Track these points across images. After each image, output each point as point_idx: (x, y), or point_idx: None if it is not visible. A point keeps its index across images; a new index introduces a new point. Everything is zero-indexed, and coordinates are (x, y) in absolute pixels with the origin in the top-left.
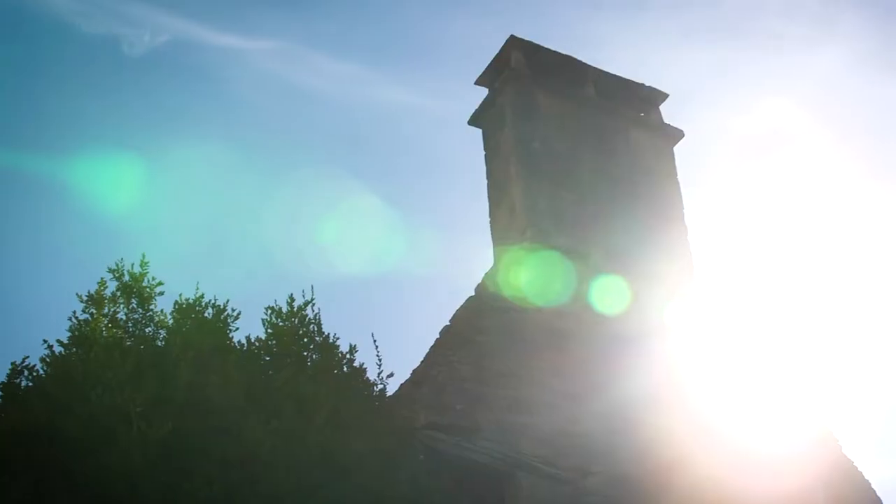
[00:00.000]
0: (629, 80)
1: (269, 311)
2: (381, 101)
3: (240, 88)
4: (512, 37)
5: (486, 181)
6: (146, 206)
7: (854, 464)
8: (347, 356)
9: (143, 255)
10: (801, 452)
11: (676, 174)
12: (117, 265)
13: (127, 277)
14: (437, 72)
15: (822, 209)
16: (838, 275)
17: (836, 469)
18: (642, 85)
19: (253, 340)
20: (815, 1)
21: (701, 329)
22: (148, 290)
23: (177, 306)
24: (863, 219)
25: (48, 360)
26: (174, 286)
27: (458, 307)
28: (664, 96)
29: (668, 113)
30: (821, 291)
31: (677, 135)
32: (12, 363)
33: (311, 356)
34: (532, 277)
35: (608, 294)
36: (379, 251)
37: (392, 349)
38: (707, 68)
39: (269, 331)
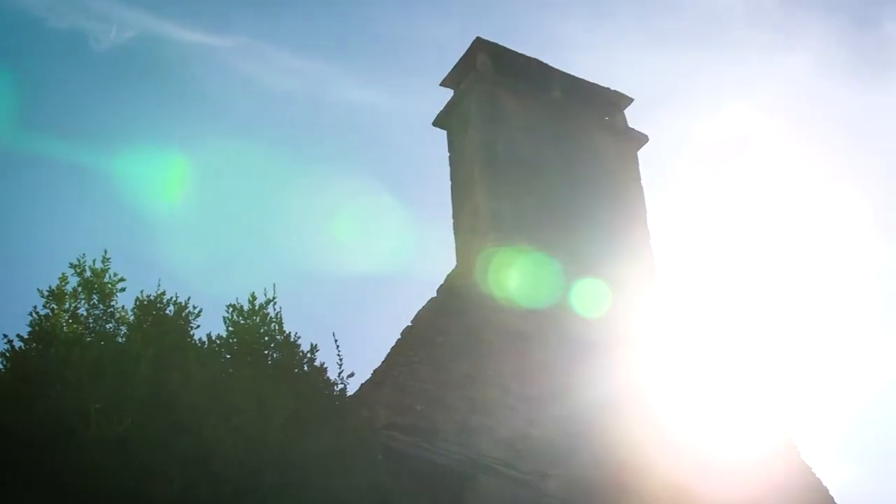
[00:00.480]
0: (594, 84)
1: (231, 309)
2: (346, 100)
3: (206, 85)
4: (478, 39)
5: (449, 182)
6: (105, 201)
7: (812, 470)
8: (308, 355)
9: (105, 252)
10: (761, 459)
11: (640, 178)
12: (79, 261)
13: (89, 273)
14: (403, 72)
15: (786, 214)
16: (801, 279)
17: (795, 475)
18: (607, 89)
19: (214, 338)
20: (780, 8)
21: (663, 333)
22: (109, 286)
23: (138, 303)
24: (826, 223)
25: (7, 355)
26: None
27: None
28: (629, 100)
29: (633, 117)
30: (784, 296)
31: (641, 139)
32: None
33: (272, 355)
34: (504, 278)
35: (588, 297)
36: (345, 249)
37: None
38: (672, 73)
39: (230, 329)
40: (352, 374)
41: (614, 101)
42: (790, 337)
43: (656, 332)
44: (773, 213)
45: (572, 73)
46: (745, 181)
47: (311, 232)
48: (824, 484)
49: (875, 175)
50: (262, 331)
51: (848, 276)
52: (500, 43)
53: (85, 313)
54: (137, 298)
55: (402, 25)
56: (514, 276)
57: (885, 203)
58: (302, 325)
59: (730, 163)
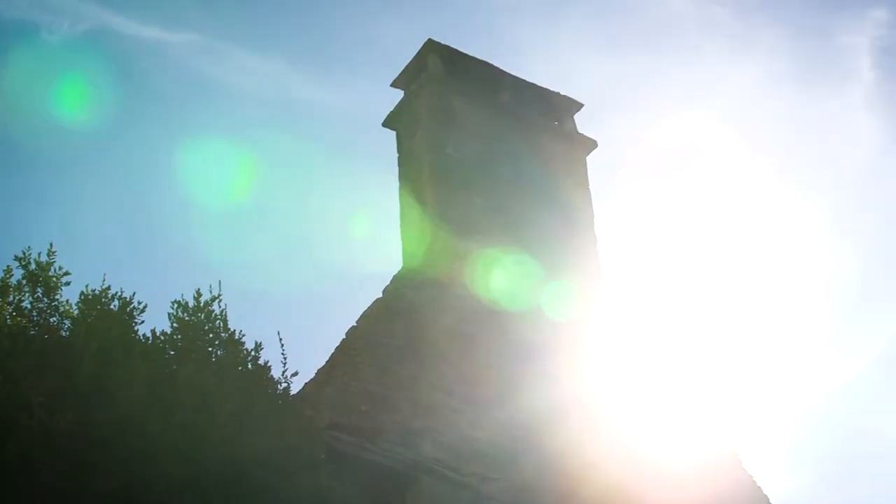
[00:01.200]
0: (544, 88)
1: (175, 306)
2: (298, 99)
3: (160, 81)
4: (429, 40)
5: (397, 183)
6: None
7: (754, 479)
8: (253, 353)
9: (51, 245)
10: (703, 466)
11: (588, 183)
12: (24, 253)
13: (33, 266)
14: (356, 72)
15: (735, 221)
16: (749, 286)
17: (737, 484)
18: (557, 93)
19: (158, 334)
20: (733, 17)
21: (608, 338)
22: (54, 279)
23: (82, 297)
24: (775, 231)
25: None
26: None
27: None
28: (579, 105)
29: (584, 122)
30: (731, 302)
31: (590, 144)
32: None
33: (216, 352)
34: (452, 280)
35: (557, 299)
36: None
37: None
38: (624, 79)
39: (175, 325)
40: (295, 374)
41: (564, 106)
42: (737, 343)
43: (602, 338)
44: (722, 221)
45: (524, 76)
46: (694, 188)
47: (258, 230)
48: (765, 492)
49: (825, 184)
50: (206, 328)
51: (795, 283)
52: (453, 45)
53: (29, 306)
54: (82, 293)
55: (356, 25)
56: (462, 277)
57: (834, 211)
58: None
59: (680, 169)
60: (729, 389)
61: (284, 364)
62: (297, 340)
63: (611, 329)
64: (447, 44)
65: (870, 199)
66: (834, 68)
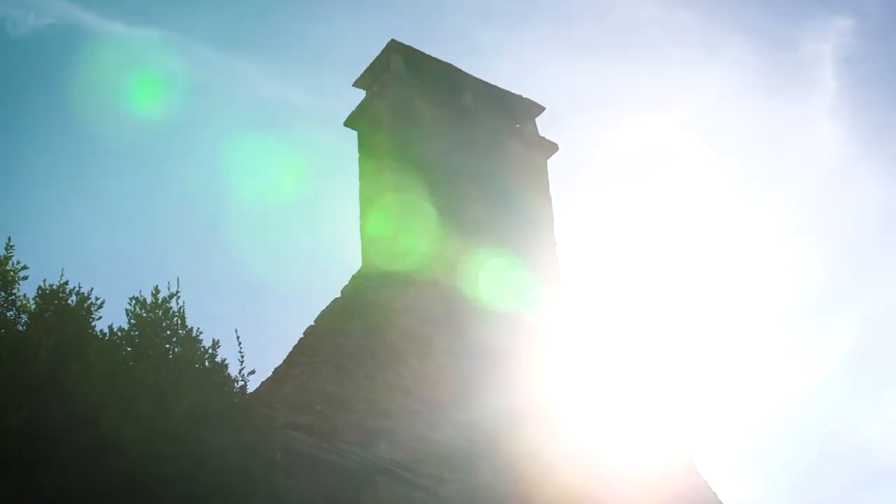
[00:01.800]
0: (507, 91)
1: (133, 302)
2: (261, 97)
3: (124, 77)
4: (392, 41)
5: (358, 183)
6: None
7: (709, 484)
8: (210, 351)
9: (9, 239)
10: (658, 471)
11: (548, 186)
12: None
13: None
14: (320, 70)
15: (696, 226)
16: (710, 292)
17: (691, 489)
18: (519, 96)
19: (115, 330)
20: (699, 24)
21: (567, 341)
22: (12, 273)
23: (39, 292)
24: (736, 237)
25: None
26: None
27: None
28: (540, 109)
29: (546, 125)
30: (691, 308)
31: (551, 148)
32: None
33: (174, 349)
34: (411, 280)
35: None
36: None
37: None
38: (589, 83)
39: (132, 321)
40: (252, 372)
41: (526, 109)
42: (699, 348)
43: (561, 341)
44: (684, 225)
45: (488, 79)
46: (656, 192)
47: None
48: (720, 498)
49: (788, 190)
50: (164, 325)
51: (758, 288)
52: (417, 46)
53: None
54: (39, 287)
55: (321, 23)
56: (420, 278)
57: (797, 217)
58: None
59: (642, 174)
60: (690, 394)
61: (242, 362)
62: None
63: (570, 332)
64: (410, 45)
65: (832, 205)
66: (798, 76)
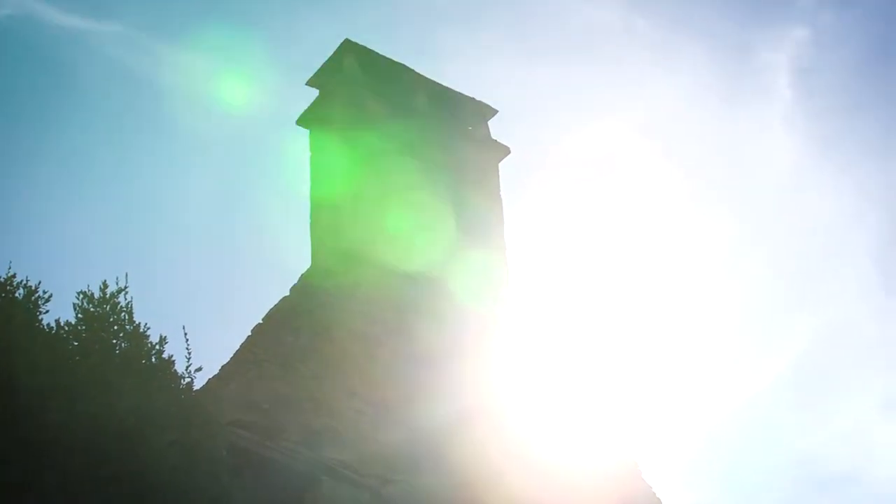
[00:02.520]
0: (460, 93)
1: (81, 297)
2: (218, 95)
3: (79, 71)
4: (346, 41)
5: (309, 182)
6: None
7: (653, 490)
8: (157, 347)
9: None
10: (603, 475)
11: (499, 189)
12: None
13: None
14: (274, 69)
15: (649, 231)
16: (659, 298)
17: (635, 494)
18: (472, 99)
19: (62, 324)
20: (656, 29)
21: (514, 345)
22: None
23: None
24: (688, 243)
25: None
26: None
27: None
28: (493, 112)
29: (499, 128)
30: (640, 313)
31: (503, 151)
32: None
33: (120, 344)
34: (361, 281)
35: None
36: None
37: None
38: (545, 87)
39: (80, 316)
40: (199, 369)
41: (479, 112)
42: (644, 354)
43: (507, 344)
44: (635, 231)
45: (443, 81)
46: (607, 197)
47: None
48: (664, 503)
49: (739, 197)
50: (111, 319)
51: (706, 294)
52: (371, 47)
53: None
54: None
55: (276, 22)
56: (371, 279)
57: (748, 226)
58: None
59: (593, 178)
60: (636, 398)
61: (188, 359)
62: None
63: (518, 335)
64: (365, 45)
65: (784, 213)
66: (754, 84)
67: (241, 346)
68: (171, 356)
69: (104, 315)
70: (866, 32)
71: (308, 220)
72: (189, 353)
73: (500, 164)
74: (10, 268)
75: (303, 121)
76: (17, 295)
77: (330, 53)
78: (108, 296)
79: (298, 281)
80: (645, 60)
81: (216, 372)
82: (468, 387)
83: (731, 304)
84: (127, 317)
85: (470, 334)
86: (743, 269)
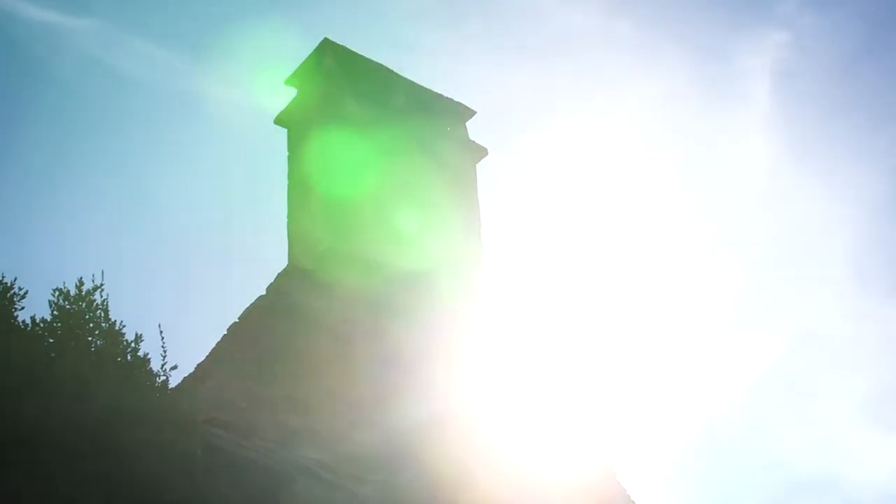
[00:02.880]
0: (439, 94)
1: (57, 294)
2: (192, 91)
3: (58, 68)
4: (325, 40)
5: (287, 181)
6: None
7: (628, 493)
8: (133, 345)
9: None
10: (578, 479)
11: (477, 190)
12: None
13: None
14: (251, 66)
15: (626, 234)
16: (637, 300)
17: (611, 497)
18: (451, 100)
19: (38, 321)
20: (636, 32)
21: (491, 346)
22: None
23: None
24: (666, 247)
25: None
26: None
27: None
28: (472, 113)
29: (477, 130)
30: (618, 315)
31: (481, 152)
32: None
33: (96, 342)
34: (335, 281)
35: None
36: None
37: None
38: (522, 88)
39: (55, 313)
40: (175, 367)
41: (457, 113)
42: (621, 358)
43: (484, 344)
44: (614, 233)
45: (421, 81)
46: (586, 200)
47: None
48: None
49: (718, 201)
50: (87, 317)
51: (685, 297)
52: (350, 46)
53: None
54: None
55: (256, 19)
56: (348, 278)
57: (725, 230)
58: None
59: (573, 182)
60: (612, 403)
61: (164, 357)
62: None
63: (494, 336)
64: (344, 44)
65: (761, 218)
66: (733, 88)
67: (216, 344)
68: (147, 354)
69: (80, 312)
70: (847, 36)
71: (285, 219)
72: (164, 352)
73: (479, 166)
74: None
75: (280, 120)
76: None
77: (308, 52)
78: (83, 293)
79: (275, 280)
80: (624, 63)
81: (192, 370)
82: (445, 387)
83: (707, 308)
84: (102, 314)
85: (447, 334)
86: (719, 273)
